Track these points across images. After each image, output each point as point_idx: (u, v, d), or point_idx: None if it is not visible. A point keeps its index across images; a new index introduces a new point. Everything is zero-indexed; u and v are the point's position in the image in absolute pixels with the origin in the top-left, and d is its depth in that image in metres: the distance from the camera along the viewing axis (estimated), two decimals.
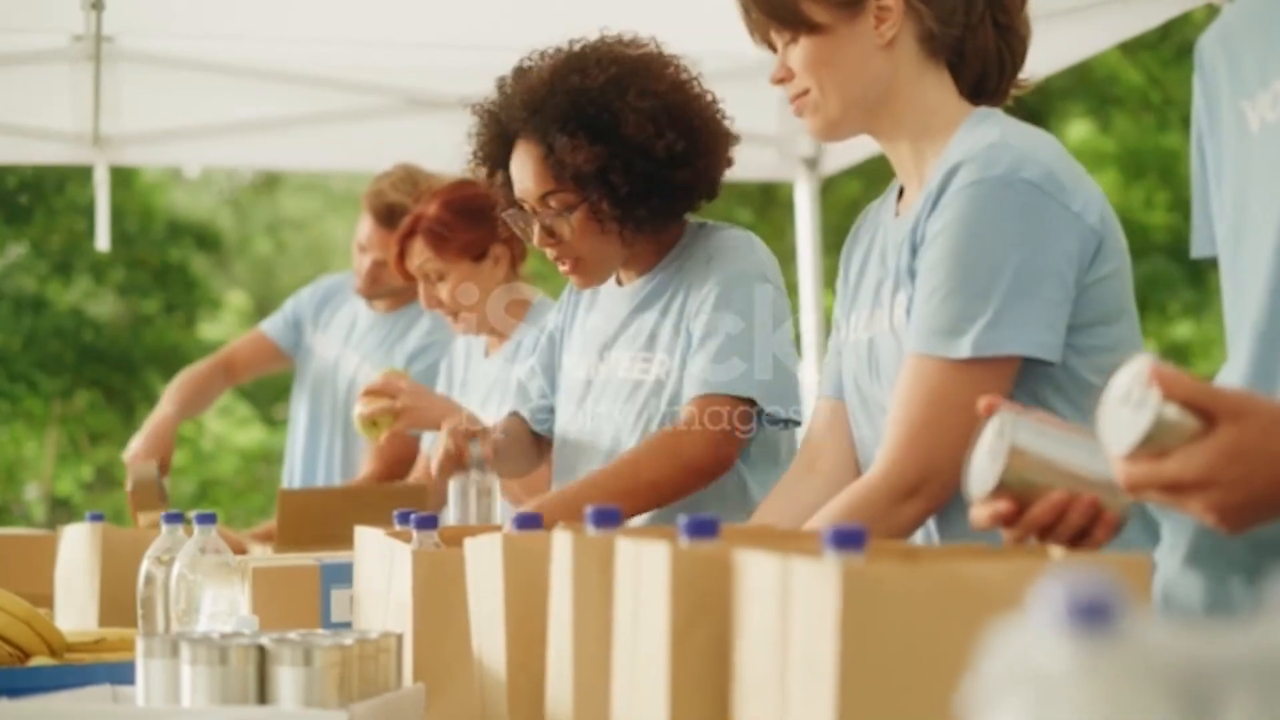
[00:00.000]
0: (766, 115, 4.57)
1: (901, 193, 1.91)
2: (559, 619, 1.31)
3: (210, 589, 2.06)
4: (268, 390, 14.59)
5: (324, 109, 4.40)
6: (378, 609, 1.83)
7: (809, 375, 4.72)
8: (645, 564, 1.18)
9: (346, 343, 3.82)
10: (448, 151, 4.48)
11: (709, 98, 2.37)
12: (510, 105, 2.32)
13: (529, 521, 1.50)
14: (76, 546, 2.70)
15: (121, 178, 10.03)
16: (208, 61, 4.22)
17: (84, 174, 10.65)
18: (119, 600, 2.57)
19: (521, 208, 2.36)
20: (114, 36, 4.06)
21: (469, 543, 1.53)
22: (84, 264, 11.40)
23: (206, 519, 2.11)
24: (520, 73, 2.35)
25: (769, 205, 13.09)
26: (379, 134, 4.38)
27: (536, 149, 2.29)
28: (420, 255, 3.05)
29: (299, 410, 3.94)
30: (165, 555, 2.17)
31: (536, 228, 2.32)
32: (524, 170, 2.32)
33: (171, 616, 2.10)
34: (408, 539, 1.77)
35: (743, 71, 4.63)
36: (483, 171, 2.42)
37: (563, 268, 2.36)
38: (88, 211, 11.06)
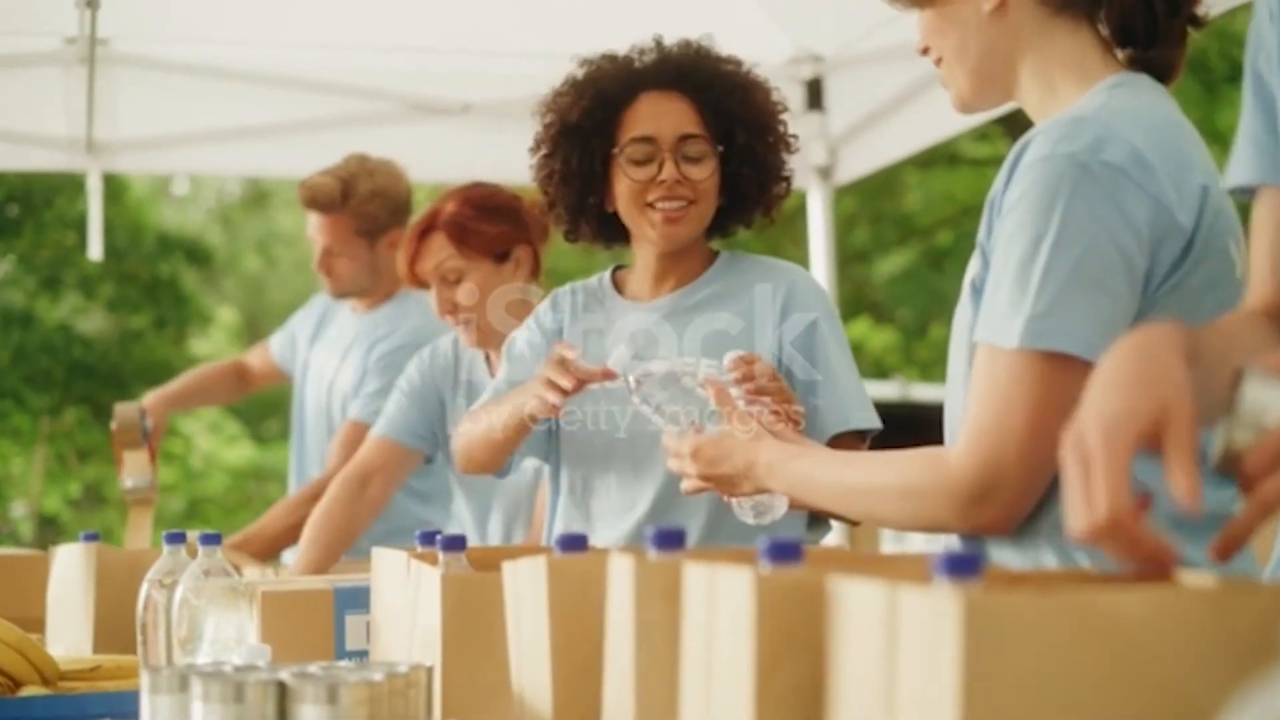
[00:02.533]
0: None
1: None
2: (617, 653, 1.18)
3: (215, 614, 1.92)
4: (257, 407, 14.44)
5: (325, 115, 4.27)
6: (399, 637, 1.70)
7: None
8: (723, 592, 1.05)
9: (332, 349, 3.72)
10: (450, 158, 4.40)
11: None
12: (660, 62, 2.36)
13: (574, 543, 1.36)
14: (70, 567, 2.56)
15: (111, 191, 9.90)
16: (205, 66, 4.10)
17: (73, 186, 10.57)
18: (115, 625, 2.44)
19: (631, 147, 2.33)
20: (108, 39, 3.94)
21: (508, 566, 1.39)
22: (73, 278, 11.27)
23: (211, 539, 1.97)
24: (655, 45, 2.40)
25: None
26: (381, 140, 4.23)
27: (686, 96, 2.34)
28: (440, 253, 2.88)
29: (293, 424, 3.87)
30: (167, 578, 2.03)
31: (669, 163, 2.31)
32: (667, 108, 2.33)
33: (173, 644, 1.96)
34: (433, 561, 1.64)
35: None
36: (576, 99, 2.35)
37: (673, 210, 2.32)
38: (77, 225, 10.95)
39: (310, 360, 3.77)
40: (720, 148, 2.32)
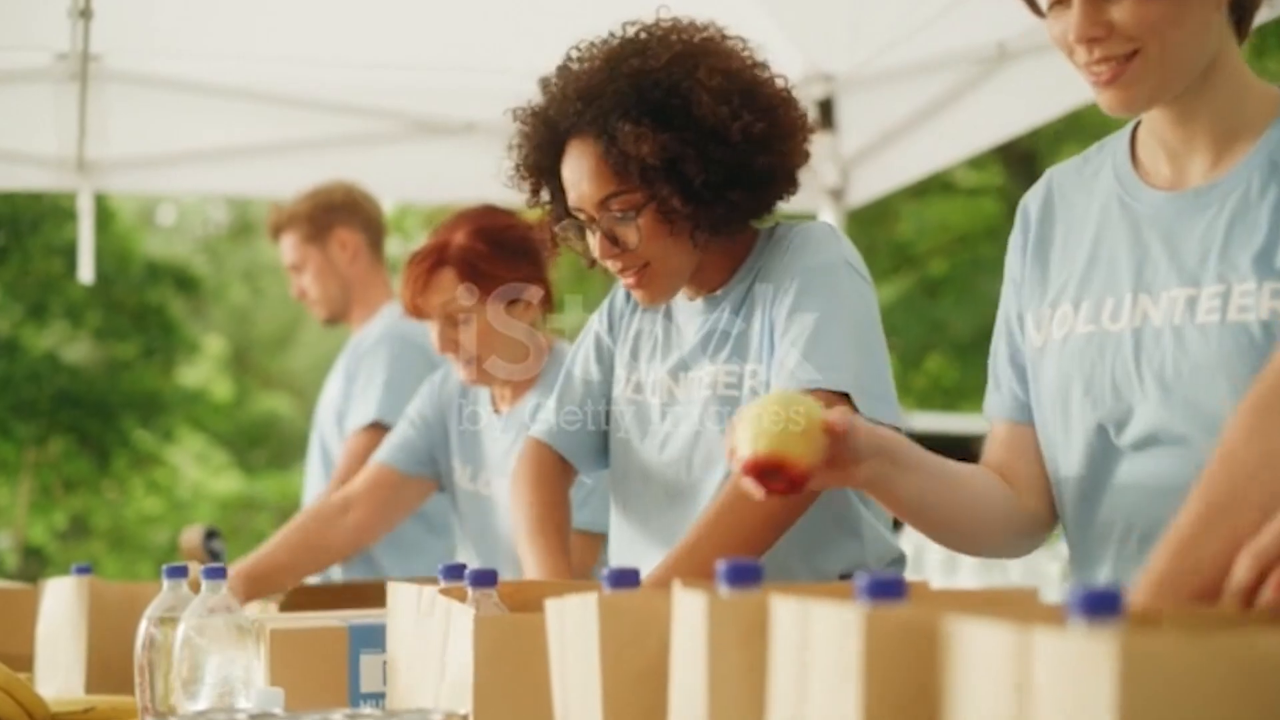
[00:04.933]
0: None
1: (1134, 158, 1.67)
2: (687, 705, 1.05)
3: (220, 654, 1.79)
4: (245, 437, 14.30)
5: (324, 134, 4.14)
6: (423, 680, 1.56)
7: None
8: (821, 635, 0.92)
9: (335, 375, 3.68)
10: (453, 179, 4.27)
11: (781, 81, 2.09)
12: (562, 100, 2.02)
13: (625, 579, 1.24)
14: (60, 602, 2.42)
15: (97, 218, 9.78)
16: (201, 83, 3.98)
17: (60, 213, 10.41)
18: (109, 663, 2.30)
19: (575, 219, 2.08)
20: (100, 56, 3.82)
21: (552, 604, 1.26)
22: (60, 306, 11.12)
23: (215, 573, 1.84)
24: (570, 66, 2.06)
25: None
26: (382, 160, 4.13)
27: (594, 146, 2.00)
28: (449, 290, 2.61)
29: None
30: (168, 614, 1.89)
31: (598, 238, 2.04)
32: (580, 172, 2.02)
33: (174, 685, 1.82)
34: (460, 597, 1.51)
35: None
36: (526, 185, 2.13)
37: (627, 280, 2.07)
38: (63, 252, 10.78)
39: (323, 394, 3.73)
40: (649, 190, 1.99)
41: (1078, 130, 12.58)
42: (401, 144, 4.18)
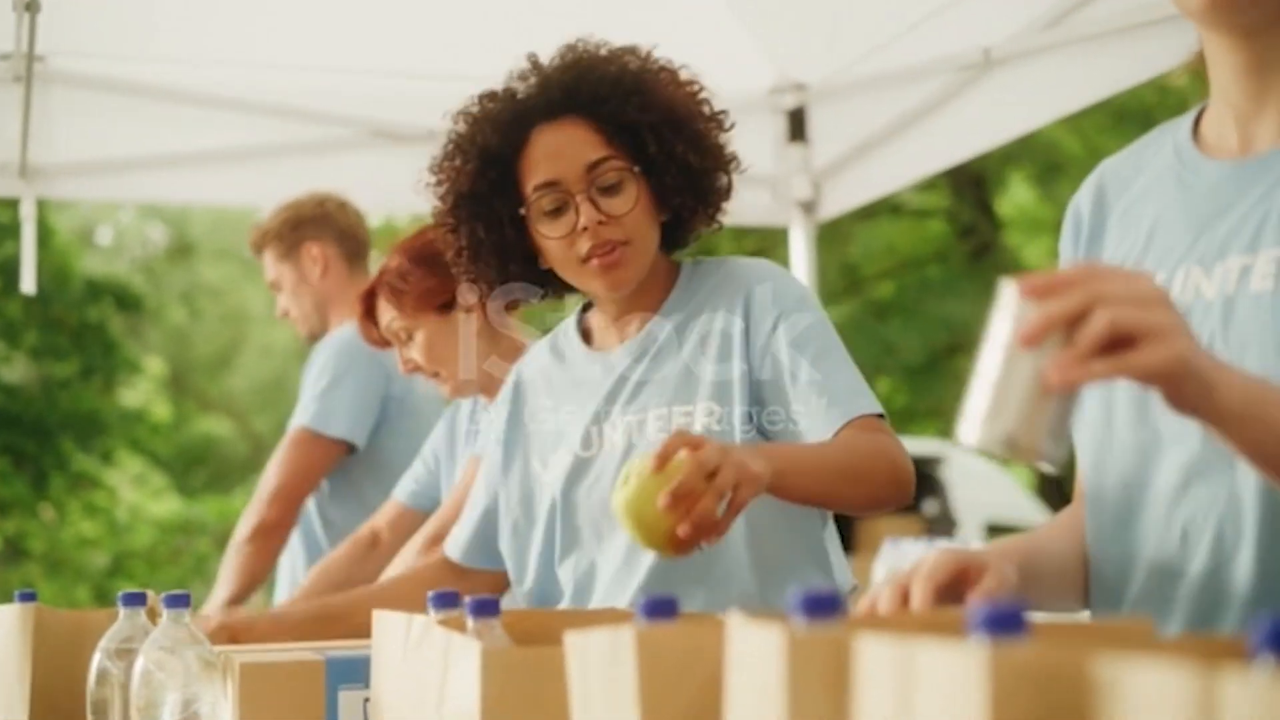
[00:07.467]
0: (761, 155, 4.22)
1: (1197, 135, 1.52)
2: None
3: (182, 690, 1.63)
4: (183, 459, 14.03)
5: (280, 141, 3.97)
6: (412, 719, 1.41)
7: None
8: (928, 677, 0.78)
9: None
10: (414, 186, 4.12)
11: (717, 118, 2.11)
12: (540, 88, 2.02)
13: (663, 608, 1.09)
14: (2, 631, 2.24)
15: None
16: (151, 86, 3.80)
17: None
18: (55, 699, 2.12)
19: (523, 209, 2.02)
20: (46, 56, 3.65)
21: (574, 639, 1.11)
22: None
23: (178, 601, 1.68)
24: (532, 69, 2.06)
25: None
26: (340, 168, 3.95)
27: (581, 122, 2.00)
28: (386, 315, 2.70)
29: None
30: (124, 645, 1.73)
31: (581, 204, 1.98)
32: (563, 140, 1.99)
33: None
34: (459, 627, 1.36)
35: (737, 108, 4.27)
36: (461, 158, 2.04)
37: (604, 258, 2.00)
38: (2, 268, 10.52)
39: None
40: (636, 166, 2.00)
41: (1028, 152, 12.59)
42: (361, 151, 4.02)
